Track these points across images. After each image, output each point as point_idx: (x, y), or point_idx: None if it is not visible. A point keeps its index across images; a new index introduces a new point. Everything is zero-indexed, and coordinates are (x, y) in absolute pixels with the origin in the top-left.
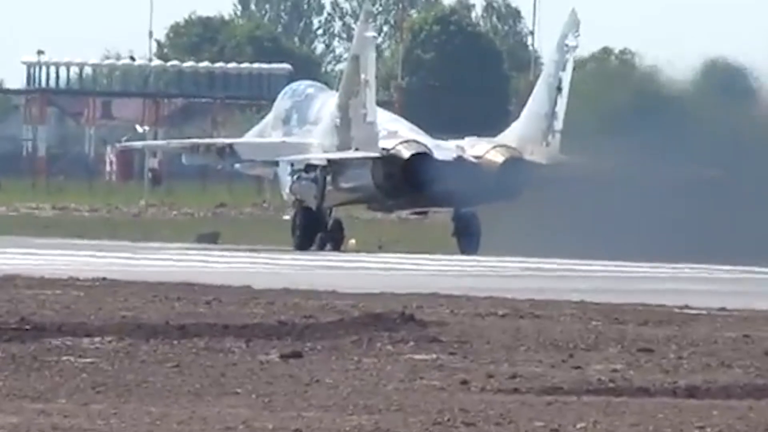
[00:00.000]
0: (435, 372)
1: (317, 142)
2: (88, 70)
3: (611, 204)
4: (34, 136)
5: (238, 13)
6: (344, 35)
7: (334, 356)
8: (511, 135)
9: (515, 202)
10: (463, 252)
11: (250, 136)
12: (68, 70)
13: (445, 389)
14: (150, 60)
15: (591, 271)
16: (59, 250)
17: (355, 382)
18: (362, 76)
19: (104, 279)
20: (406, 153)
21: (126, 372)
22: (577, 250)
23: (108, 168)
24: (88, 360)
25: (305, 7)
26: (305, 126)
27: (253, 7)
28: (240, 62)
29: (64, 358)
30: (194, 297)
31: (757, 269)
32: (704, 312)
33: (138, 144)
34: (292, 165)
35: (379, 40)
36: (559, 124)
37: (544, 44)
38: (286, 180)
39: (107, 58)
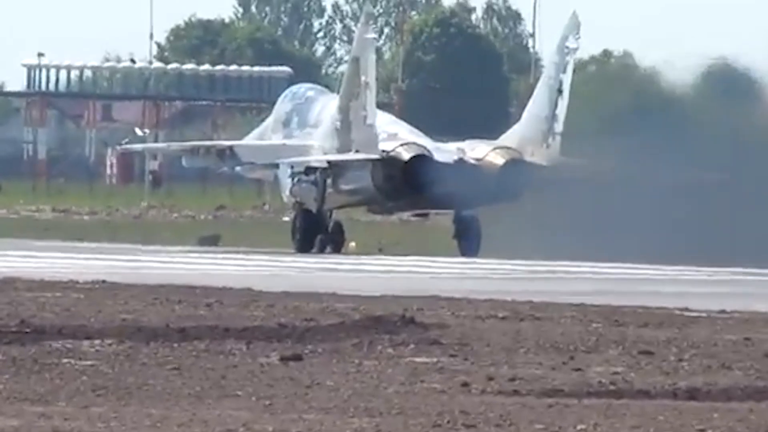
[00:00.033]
0: (435, 374)
1: (317, 145)
2: (88, 72)
3: (611, 206)
4: (34, 139)
5: (239, 15)
6: (345, 38)
7: (335, 359)
8: (512, 137)
9: (516, 204)
10: (464, 254)
11: (250, 139)
12: (68, 73)
13: (446, 392)
14: (150, 62)
15: (591, 273)
16: (59, 252)
17: (356, 384)
18: (362, 78)
19: (104, 282)
20: (406, 155)
21: (126, 375)
22: (578, 252)
23: (108, 171)
24: (89, 363)
25: (306, 9)
26: (306, 129)
27: (253, 9)
28: (240, 65)
29: (65, 360)
30: (195, 299)
31: (757, 271)
32: (705, 314)
33: (138, 146)
34: (292, 167)
35: (380, 42)
36: (559, 126)
37: (544, 46)
38: (287, 182)
39: (107, 60)
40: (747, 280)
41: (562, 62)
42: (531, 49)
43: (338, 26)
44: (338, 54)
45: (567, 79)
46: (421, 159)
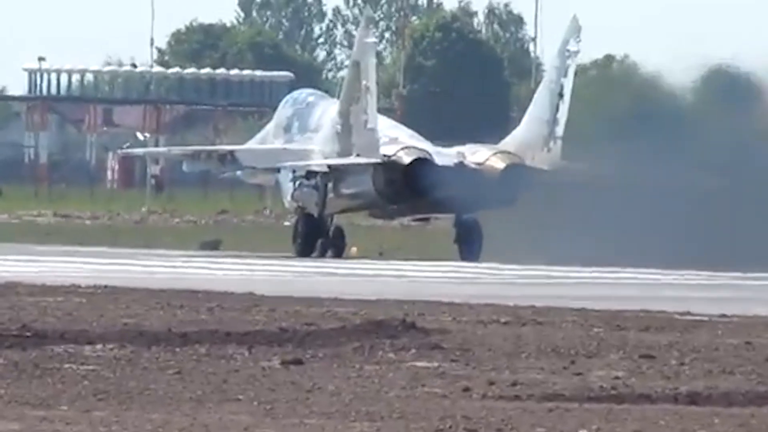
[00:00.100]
0: (437, 379)
1: (318, 149)
2: (89, 76)
3: (612, 210)
4: (35, 143)
5: (240, 20)
6: (345, 42)
7: (336, 363)
8: (513, 141)
9: (516, 209)
10: (465, 259)
11: (252, 145)
12: (70, 77)
13: (447, 396)
14: (151, 67)
15: (592, 278)
16: (61, 257)
17: (357, 389)
18: (363, 82)
19: (106, 286)
20: (406, 159)
21: (128, 379)
22: (578, 257)
23: (109, 175)
24: (90, 367)
25: (306, 14)
26: (306, 134)
27: (254, 14)
28: (241, 69)
29: (66, 365)
30: (196, 304)
31: (758, 276)
32: (706, 318)
33: (139, 151)
34: (293, 172)
35: (381, 47)
36: (560, 130)
37: (546, 51)
38: (288, 187)
39: (109, 64)
40: (748, 284)
41: (563, 66)
42: (532, 54)
43: (339, 31)
44: (339, 59)
45: (568, 83)
46: (422, 163)
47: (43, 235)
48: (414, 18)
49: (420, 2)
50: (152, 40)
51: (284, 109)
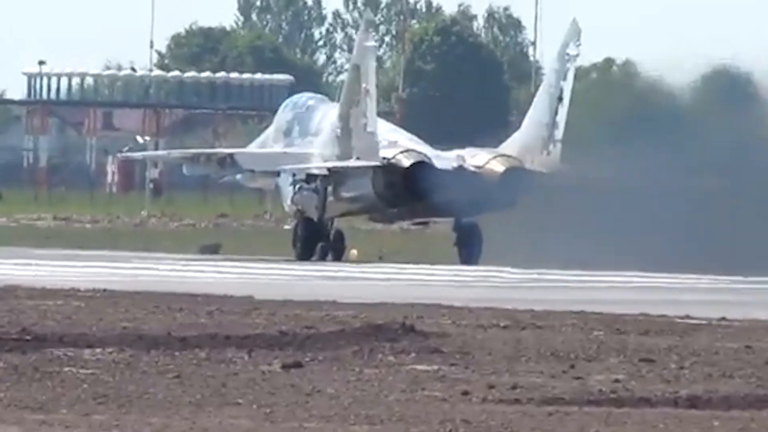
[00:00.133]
0: (436, 383)
1: (318, 153)
2: (89, 80)
3: (612, 213)
4: (35, 147)
5: (240, 23)
6: (345, 46)
7: (336, 367)
8: (512, 145)
9: (516, 212)
10: (464, 262)
11: (251, 149)
12: (69, 81)
13: (447, 400)
14: (151, 70)
15: (592, 282)
16: (60, 260)
17: (357, 392)
18: (363, 85)
19: (105, 290)
20: (406, 162)
21: (127, 383)
22: (578, 260)
23: (109, 179)
24: (89, 371)
25: (306, 17)
26: (307, 137)
27: (254, 17)
28: (241, 72)
29: (66, 368)
30: (195, 308)
31: (758, 279)
32: (705, 322)
33: (139, 155)
34: (293, 175)
35: (381, 51)
36: (559, 134)
37: (545, 55)
38: (288, 191)
39: (108, 68)
40: (748, 288)
41: (562, 69)
42: (532, 58)
43: (339, 35)
44: (339, 62)
45: (567, 86)
46: (422, 166)
47: (42, 238)
48: (414, 22)
49: (420, 6)
50: (152, 43)
51: (284, 113)
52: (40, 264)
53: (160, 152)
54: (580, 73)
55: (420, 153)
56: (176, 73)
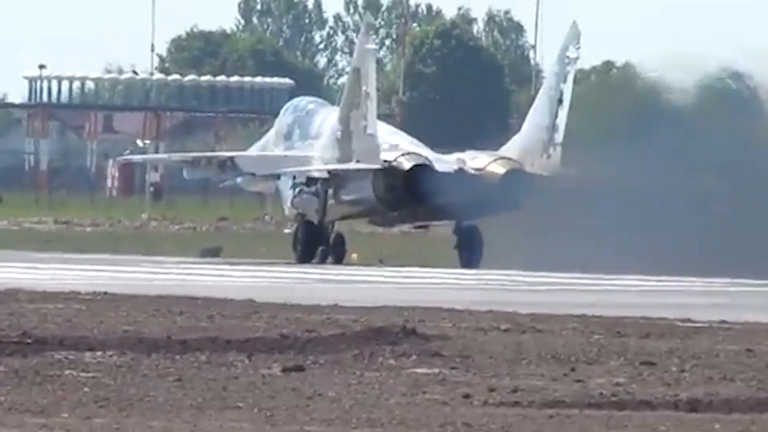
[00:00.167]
0: (437, 386)
1: (318, 156)
2: (89, 84)
3: (613, 216)
4: (36, 150)
5: (240, 26)
6: (346, 49)
7: (336, 370)
8: (512, 148)
9: (516, 215)
10: (465, 265)
11: (252, 152)
12: (70, 84)
13: (448, 403)
14: (152, 74)
15: (592, 285)
16: (61, 264)
17: (357, 395)
18: (363, 88)
19: (106, 293)
20: (407, 164)
21: (128, 386)
22: (578, 263)
23: (110, 182)
24: (90, 374)
25: (307, 21)
26: (307, 141)
27: (255, 21)
28: (242, 76)
29: (66, 372)
30: (196, 311)
31: (759, 282)
32: (706, 325)
33: (139, 158)
34: (293, 178)
35: (381, 54)
36: (560, 137)
37: (546, 58)
38: (288, 194)
39: (109, 72)
40: (748, 290)
41: (562, 72)
42: (532, 61)
43: (340, 38)
44: (340, 65)
45: (567, 89)
46: (422, 168)
47: (43, 242)
48: (414, 25)
49: (420, 9)
50: (153, 47)
51: (285, 117)
52: (41, 267)
53: (161, 155)
54: (581, 76)
55: (420, 156)
56: (177, 76)
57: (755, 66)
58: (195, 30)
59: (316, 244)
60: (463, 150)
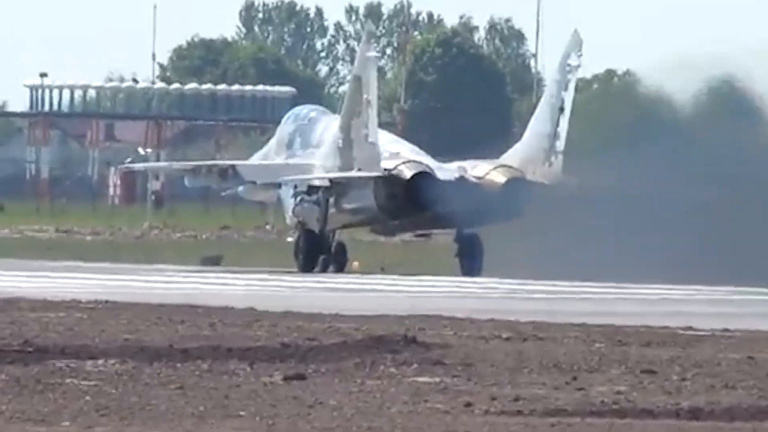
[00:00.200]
0: (439, 394)
1: (319, 164)
2: (91, 92)
3: (614, 225)
4: (37, 159)
5: (241, 35)
6: (347, 57)
7: (338, 378)
8: (514, 156)
9: (517, 223)
10: (466, 274)
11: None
12: (71, 93)
13: (449, 412)
14: (153, 82)
15: (594, 293)
16: (62, 272)
17: (359, 404)
18: (364, 96)
19: (107, 301)
20: (408, 173)
21: (129, 394)
22: (580, 271)
23: (111, 190)
24: (92, 382)
25: (308, 29)
26: (308, 149)
27: (256, 29)
28: (243, 84)
29: (68, 380)
30: (197, 319)
31: (761, 290)
32: (708, 333)
33: (140, 166)
34: (294, 187)
35: (382, 62)
36: (561, 145)
37: (547, 66)
38: (289, 203)
39: (110, 80)
40: (750, 299)
41: (563, 80)
42: (533, 69)
43: (341, 46)
44: (341, 74)
45: (569, 97)
46: (423, 176)
47: (44, 250)
48: (415, 33)
49: (421, 17)
50: (154, 55)
51: (286, 126)
52: (42, 276)
53: (162, 164)
54: (582, 85)
55: (422, 164)
56: (178, 85)
57: (757, 74)
58: (196, 38)
59: (317, 253)
60: (464, 158)
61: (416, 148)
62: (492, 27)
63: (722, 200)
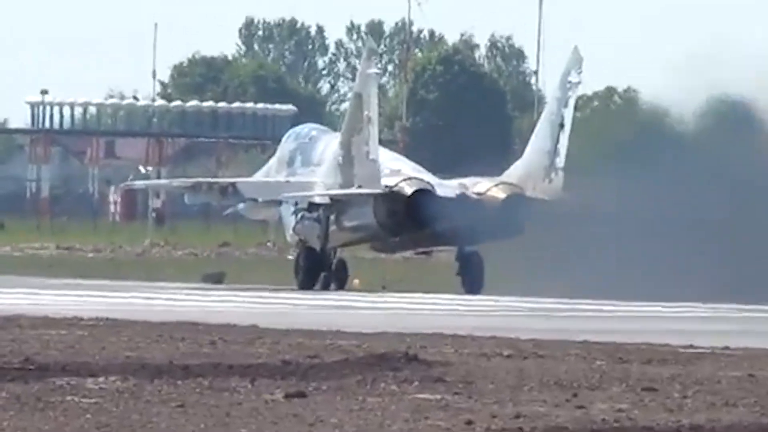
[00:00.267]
0: (440, 412)
1: (320, 181)
2: (92, 109)
3: (614, 242)
4: (38, 176)
5: (242, 53)
6: (348, 75)
7: (339, 396)
8: (514, 173)
9: (518, 240)
10: (467, 291)
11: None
12: (72, 110)
13: (450, 429)
14: (153, 100)
15: (594, 311)
16: (63, 290)
17: (360, 421)
18: (365, 113)
19: (108, 319)
20: (408, 189)
21: (130, 412)
22: (580, 288)
23: (112, 208)
24: (93, 400)
25: (309, 47)
26: (309, 167)
27: (256, 47)
28: (243, 102)
29: (69, 398)
30: (198, 337)
31: (761, 308)
32: (708, 351)
33: (141, 183)
34: (295, 204)
35: (384, 80)
36: (561, 161)
37: (548, 84)
38: (290, 220)
39: (111, 97)
40: (750, 316)
41: (564, 97)
42: (534, 87)
43: (342, 64)
44: (342, 91)
45: (569, 113)
46: (424, 193)
47: (45, 267)
48: (416, 51)
49: (422, 35)
50: (154, 73)
51: (287, 144)
52: (43, 293)
53: (162, 181)
54: (583, 102)
55: (422, 181)
56: (179, 102)
57: (758, 91)
58: (197, 56)
59: (318, 270)
60: (465, 176)
61: (417, 166)
62: (493, 45)
63: (723, 217)
